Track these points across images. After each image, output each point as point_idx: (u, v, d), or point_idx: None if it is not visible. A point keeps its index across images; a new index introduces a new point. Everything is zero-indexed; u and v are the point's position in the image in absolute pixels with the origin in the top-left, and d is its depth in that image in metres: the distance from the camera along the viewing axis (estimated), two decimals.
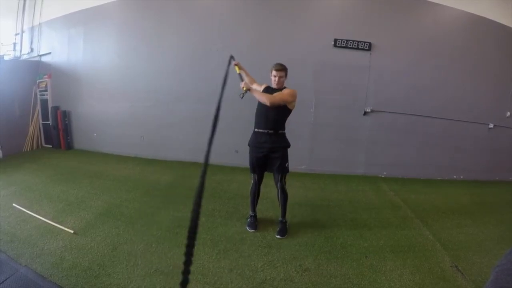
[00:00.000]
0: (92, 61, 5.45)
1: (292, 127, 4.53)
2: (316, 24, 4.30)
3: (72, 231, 2.54)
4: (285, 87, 2.63)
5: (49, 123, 5.90)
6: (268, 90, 2.62)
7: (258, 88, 2.69)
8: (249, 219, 2.84)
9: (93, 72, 5.44)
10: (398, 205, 3.48)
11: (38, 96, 5.90)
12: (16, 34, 6.00)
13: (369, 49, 4.22)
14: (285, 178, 2.69)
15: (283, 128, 2.70)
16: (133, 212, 2.98)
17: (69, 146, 5.84)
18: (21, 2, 5.84)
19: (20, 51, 6.03)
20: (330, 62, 4.33)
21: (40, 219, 2.78)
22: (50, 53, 5.83)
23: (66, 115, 5.74)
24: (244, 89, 2.39)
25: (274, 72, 2.55)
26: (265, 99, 2.42)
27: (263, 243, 2.55)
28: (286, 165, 2.67)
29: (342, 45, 4.23)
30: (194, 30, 4.70)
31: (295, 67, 4.35)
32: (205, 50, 4.67)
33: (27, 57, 6.02)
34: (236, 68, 2.73)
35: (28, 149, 5.82)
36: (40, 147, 6.04)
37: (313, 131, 4.53)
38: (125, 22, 5.11)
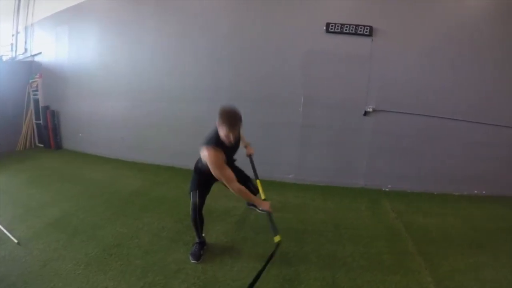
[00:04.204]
0: (77, 60, 5.29)
1: (277, 130, 3.91)
2: (303, 5, 3.56)
3: (16, 241, 2.45)
4: None
5: (41, 123, 5.92)
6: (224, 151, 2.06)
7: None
8: (193, 246, 2.33)
9: (78, 71, 5.29)
10: (398, 233, 2.69)
11: (31, 96, 5.93)
12: (12, 35, 6.02)
13: (370, 34, 3.40)
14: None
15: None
16: (82, 223, 2.79)
17: (58, 146, 5.83)
18: (16, 3, 5.82)
19: (15, 51, 6.07)
20: (322, 51, 3.58)
21: None
22: (40, 53, 5.80)
23: (55, 115, 5.71)
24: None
25: (228, 130, 1.93)
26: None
27: (200, 279, 2.04)
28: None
29: (336, 30, 3.47)
30: (172, 24, 4.26)
31: (279, 57, 3.74)
32: (183, 44, 4.21)
33: (22, 58, 6.05)
34: None
35: (22, 148, 5.92)
36: (33, 146, 6.11)
37: (302, 134, 3.81)
38: (105, 19, 4.85)
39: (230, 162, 2.24)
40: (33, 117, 5.99)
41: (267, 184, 3.80)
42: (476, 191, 3.58)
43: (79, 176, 4.27)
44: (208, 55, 4.05)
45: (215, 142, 1.98)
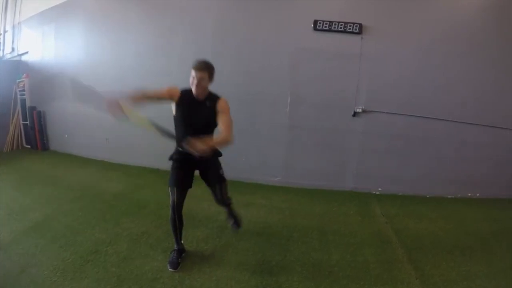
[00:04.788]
0: (63, 59, 5.14)
1: (263, 130, 3.76)
2: (290, 2, 3.45)
3: None
4: (212, 94, 2.02)
5: (28, 124, 5.75)
6: (184, 98, 1.95)
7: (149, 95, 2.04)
8: (171, 254, 2.20)
9: (64, 71, 5.10)
10: (387, 239, 2.56)
11: (18, 96, 5.77)
12: (0, 34, 5.88)
13: (360, 32, 3.30)
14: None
15: None
16: (62, 228, 2.72)
17: (44, 147, 5.67)
18: (4, 1, 5.70)
19: (3, 50, 5.93)
20: (309, 49, 3.47)
21: None
22: (27, 52, 5.66)
23: (41, 115, 5.56)
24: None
25: (193, 72, 1.88)
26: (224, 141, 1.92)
27: None
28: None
29: (324, 28, 3.36)
30: (157, 22, 4.15)
31: (265, 56, 3.61)
32: (168, 43, 4.10)
33: (9, 57, 5.91)
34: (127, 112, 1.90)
35: (9, 150, 5.75)
36: (20, 147, 5.93)
37: (289, 136, 3.69)
38: (90, 18, 4.72)
39: (189, 134, 1.84)
40: (20, 118, 5.84)
41: (253, 187, 3.76)
42: (469, 194, 3.47)
43: (62, 179, 4.18)
44: (193, 54, 3.91)
45: (185, 88, 1.95)
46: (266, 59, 3.62)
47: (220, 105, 1.98)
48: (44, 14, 5.21)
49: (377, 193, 3.57)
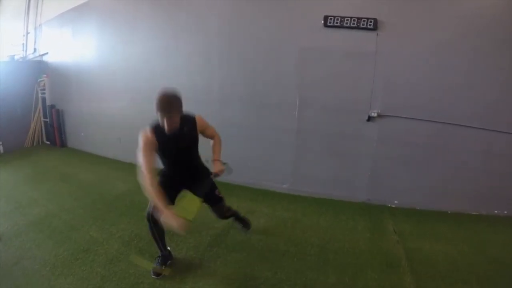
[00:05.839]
0: (79, 60, 5.30)
1: (270, 134, 3.53)
2: None
3: None
4: (184, 117, 1.87)
5: (47, 121, 6.06)
6: (160, 138, 1.82)
7: None
8: (156, 260, 2.14)
9: (79, 71, 5.30)
10: (396, 262, 2.26)
11: (39, 94, 6.05)
12: (23, 35, 6.17)
13: (375, 28, 2.96)
14: None
15: None
16: (61, 224, 2.84)
17: (63, 144, 5.95)
18: (27, 4, 5.96)
19: (26, 51, 6.22)
20: (320, 47, 3.19)
21: None
22: (47, 53, 5.90)
23: (60, 113, 5.79)
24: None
25: (159, 114, 1.70)
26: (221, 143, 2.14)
27: None
28: None
29: (335, 24, 3.06)
30: (165, 22, 4.08)
31: (272, 55, 3.40)
32: (176, 44, 4.00)
33: (31, 57, 6.19)
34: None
35: (29, 145, 6.07)
36: (40, 143, 6.25)
37: (298, 141, 3.44)
38: (103, 20, 4.78)
39: (176, 162, 1.96)
40: (41, 115, 6.12)
41: (258, 194, 3.57)
42: (496, 211, 3.03)
43: (72, 176, 4.33)
44: (199, 55, 3.81)
45: (155, 126, 1.81)
46: (273, 59, 3.40)
47: (200, 126, 1.96)
48: (63, 16, 5.38)
49: (392, 206, 3.23)
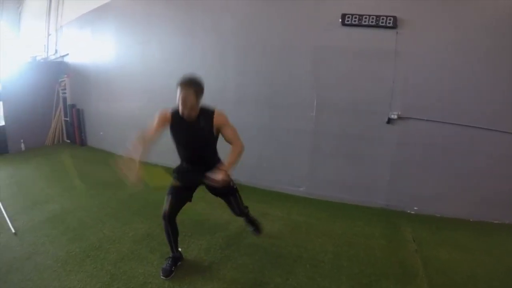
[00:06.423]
0: (98, 60, 5.45)
1: (286, 135, 3.48)
2: None
3: (14, 231, 2.62)
4: (204, 109, 1.86)
5: (68, 120, 6.27)
6: (176, 121, 1.84)
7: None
8: (166, 261, 2.14)
9: (98, 71, 5.45)
10: (413, 272, 2.15)
11: (60, 94, 6.24)
12: (45, 36, 6.39)
13: (395, 26, 2.83)
14: None
15: None
16: (75, 221, 2.88)
17: (82, 143, 6.13)
18: (48, 6, 6.16)
19: (47, 52, 6.42)
20: (337, 46, 3.10)
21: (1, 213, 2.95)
22: (68, 54, 6.09)
23: (80, 113, 5.95)
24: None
25: (178, 90, 1.75)
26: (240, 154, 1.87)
27: None
28: None
29: (353, 23, 2.95)
30: (179, 22, 4.13)
31: (288, 55, 3.34)
32: (191, 44, 4.02)
33: (53, 58, 6.41)
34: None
35: (50, 143, 6.29)
36: (61, 142, 6.48)
37: (315, 143, 3.37)
38: (120, 21, 4.89)
39: (189, 156, 1.97)
40: (62, 114, 6.34)
41: (273, 196, 3.53)
42: None
43: (89, 174, 4.41)
44: (214, 55, 3.80)
45: (175, 110, 1.83)
46: (290, 58, 3.33)
47: (217, 120, 1.86)
48: (83, 18, 5.53)
49: (412, 212, 3.10)
